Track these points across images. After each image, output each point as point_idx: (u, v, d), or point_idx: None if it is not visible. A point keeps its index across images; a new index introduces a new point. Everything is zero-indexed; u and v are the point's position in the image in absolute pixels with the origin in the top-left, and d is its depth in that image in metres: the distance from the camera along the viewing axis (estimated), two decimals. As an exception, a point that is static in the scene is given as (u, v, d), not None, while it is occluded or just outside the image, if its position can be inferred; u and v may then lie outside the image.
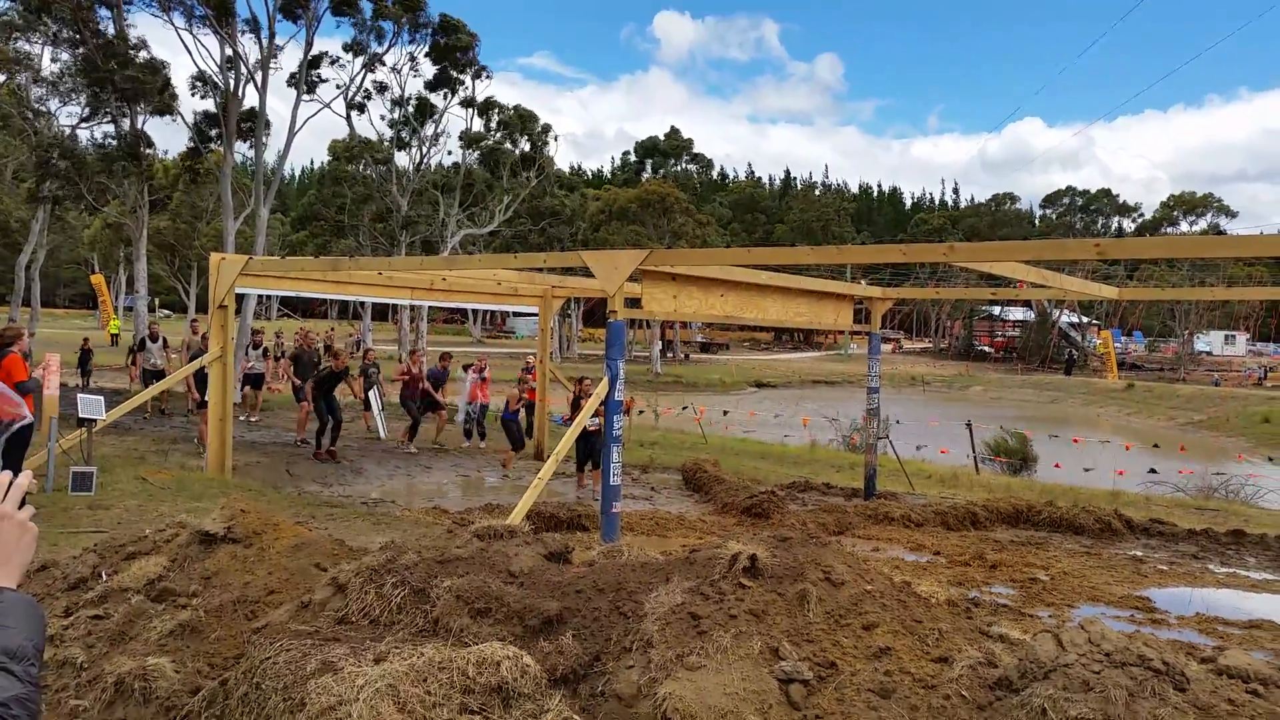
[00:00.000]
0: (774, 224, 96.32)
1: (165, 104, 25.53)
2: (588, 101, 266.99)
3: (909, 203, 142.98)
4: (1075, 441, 20.44)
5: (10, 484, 1.60)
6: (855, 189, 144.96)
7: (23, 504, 1.61)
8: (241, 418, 18.57)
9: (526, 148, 35.31)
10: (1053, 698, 3.34)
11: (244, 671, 3.69)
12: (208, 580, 5.10)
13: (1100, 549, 11.09)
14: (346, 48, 28.10)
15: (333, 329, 64.38)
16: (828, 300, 13.19)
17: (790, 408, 29.31)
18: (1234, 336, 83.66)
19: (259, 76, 24.49)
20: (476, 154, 33.73)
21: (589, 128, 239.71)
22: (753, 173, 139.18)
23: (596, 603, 4.26)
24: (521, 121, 34.72)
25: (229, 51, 24.37)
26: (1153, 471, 17.60)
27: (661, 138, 71.32)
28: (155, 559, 5.32)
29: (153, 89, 24.70)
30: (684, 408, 25.47)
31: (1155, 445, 19.10)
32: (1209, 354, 79.04)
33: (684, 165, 71.70)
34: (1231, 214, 73.63)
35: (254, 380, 19.43)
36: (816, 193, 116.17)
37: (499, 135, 34.16)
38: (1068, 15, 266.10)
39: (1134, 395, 49.61)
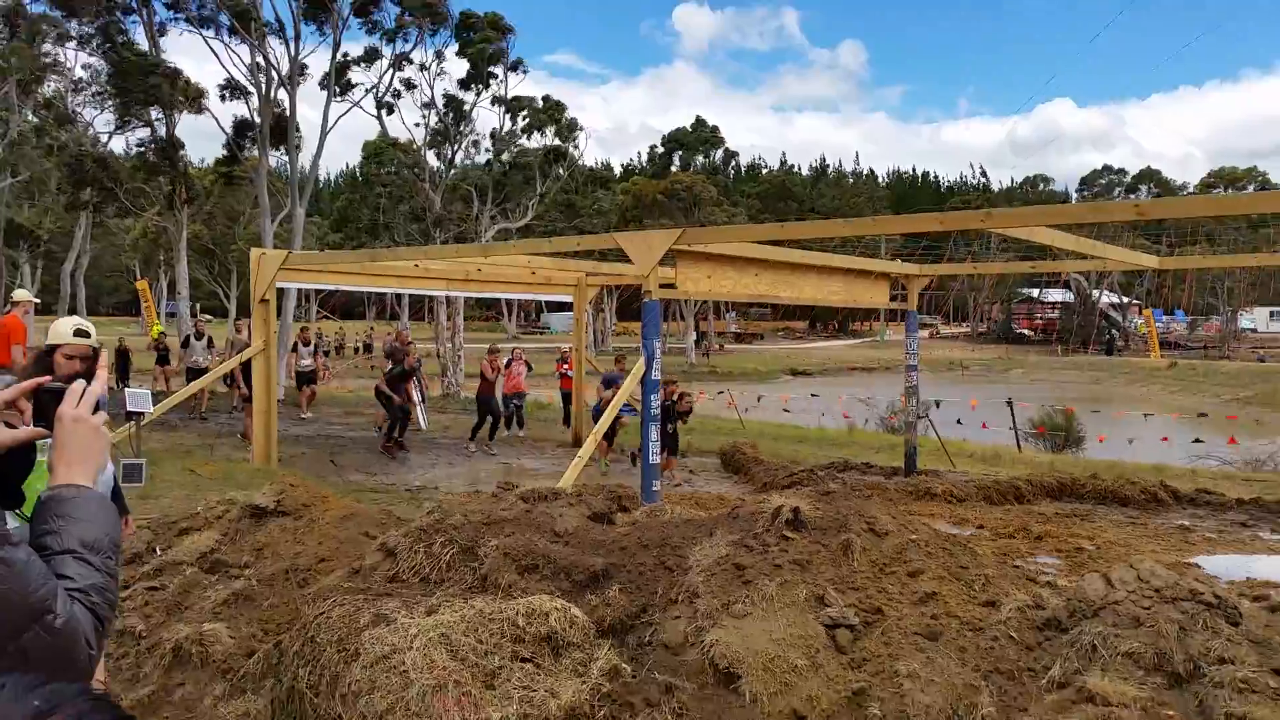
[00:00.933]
0: (806, 213, 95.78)
1: (198, 107, 25.99)
2: (611, 97, 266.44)
3: (942, 188, 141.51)
4: (1117, 416, 20.17)
5: (84, 391, 1.68)
6: (886, 175, 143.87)
7: (96, 410, 1.68)
8: (304, 415, 18.77)
9: (556, 141, 35.45)
10: (1103, 634, 3.33)
11: (299, 629, 3.77)
12: (259, 552, 5.21)
13: (1146, 519, 10.94)
14: (367, 55, 28.37)
15: (372, 329, 65.09)
16: (863, 278, 13.10)
17: (827, 393, 29.18)
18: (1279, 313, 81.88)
19: (289, 81, 24.86)
20: (507, 156, 33.87)
21: (614, 123, 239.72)
22: (786, 162, 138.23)
23: (641, 558, 4.30)
24: (550, 113, 34.85)
25: (259, 59, 24.76)
26: (1198, 441, 17.31)
27: (689, 128, 71.12)
28: (207, 533, 5.44)
29: (180, 98, 25.21)
30: (719, 392, 25.44)
31: (1202, 414, 18.79)
32: (1254, 331, 77.46)
33: (710, 156, 71.46)
34: (1275, 187, 72.12)
35: (307, 377, 19.51)
36: (849, 180, 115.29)
37: (525, 131, 34.30)
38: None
39: (1178, 374, 48.85)
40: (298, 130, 26.07)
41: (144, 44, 25.34)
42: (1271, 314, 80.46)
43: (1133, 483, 12.08)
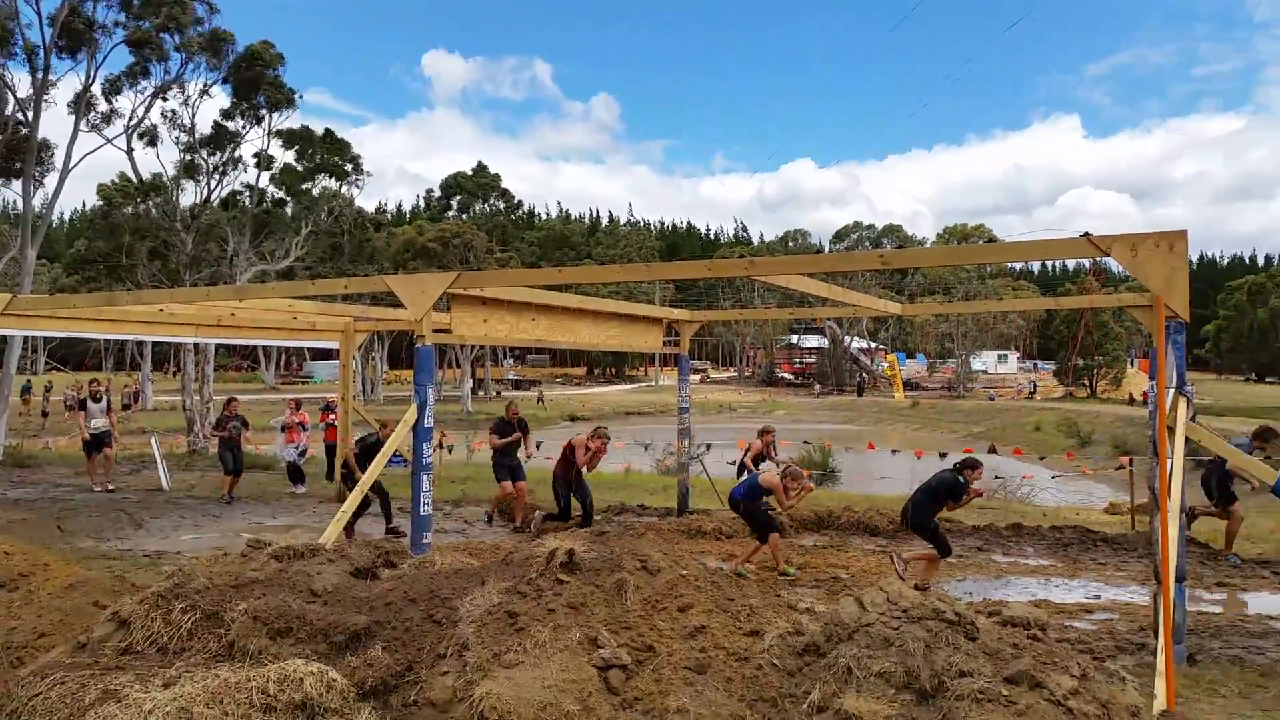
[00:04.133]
0: (583, 260, 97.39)
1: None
2: (369, 140, 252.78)
3: (706, 240, 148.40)
4: (870, 448, 21.72)
5: None
6: (657, 226, 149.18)
7: None
8: (96, 488, 15.97)
9: (332, 181, 34.27)
10: (857, 656, 3.49)
11: (9, 715, 3.30)
12: (-38, 630, 4.55)
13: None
14: (130, 72, 26.18)
15: (110, 380, 59.55)
16: (637, 323, 13.41)
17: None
18: (1006, 356, 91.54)
19: (31, 108, 22.61)
20: (272, 182, 32.17)
21: (373, 166, 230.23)
22: (566, 212, 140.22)
23: (408, 613, 4.11)
24: (333, 149, 33.63)
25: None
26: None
27: (469, 173, 70.65)
28: (-105, 613, 4.70)
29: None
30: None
31: (942, 454, 20.64)
32: (984, 372, 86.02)
33: (491, 203, 71.21)
34: (999, 241, 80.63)
35: (102, 440, 16.21)
36: (623, 229, 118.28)
37: (302, 163, 32.82)
38: (828, 60, 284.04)
39: (919, 412, 53.28)
40: (38, 163, 23.67)
41: None
42: (999, 357, 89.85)
43: (882, 514, 12.97)
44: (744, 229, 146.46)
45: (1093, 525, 13.35)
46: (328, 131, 33.44)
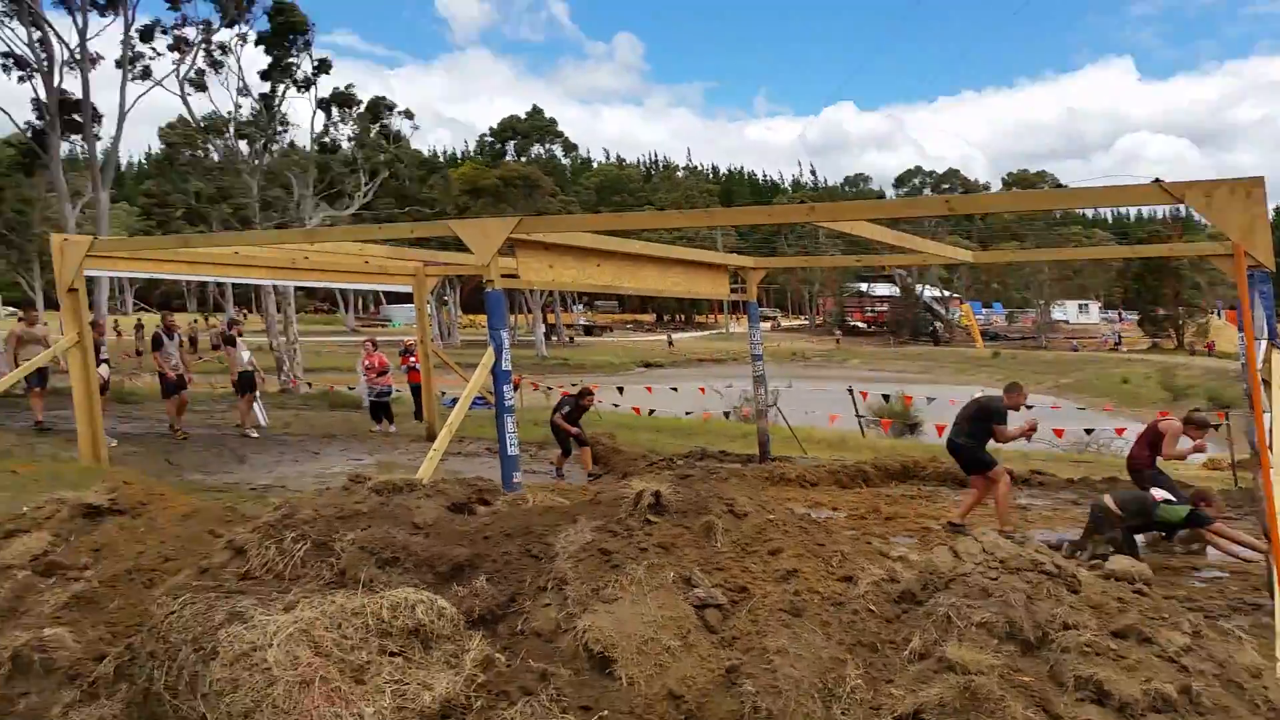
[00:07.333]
0: (641, 206, 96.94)
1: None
2: (400, 83, 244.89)
3: (762, 184, 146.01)
4: (951, 403, 21.34)
5: None
6: (709, 171, 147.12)
7: None
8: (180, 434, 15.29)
9: (381, 139, 35.01)
10: (955, 605, 3.51)
11: (150, 629, 3.54)
12: (97, 552, 4.88)
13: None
14: (155, 27, 27.11)
15: (195, 321, 61.44)
16: (702, 270, 13.33)
17: (682, 385, 29.64)
18: (1087, 305, 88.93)
19: (79, 60, 23.57)
20: (316, 144, 33.03)
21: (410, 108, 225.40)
22: (620, 157, 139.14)
23: (505, 547, 4.24)
24: (374, 110, 34.45)
25: (38, 35, 23.31)
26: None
27: (522, 116, 70.23)
28: (38, 535, 5.04)
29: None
30: (574, 384, 25.39)
31: (1029, 405, 20.13)
32: (1066, 322, 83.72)
33: (546, 147, 70.74)
34: (1065, 187, 77.94)
35: (175, 386, 15.33)
36: (680, 174, 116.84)
37: (353, 123, 33.70)
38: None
39: (1000, 362, 52.24)
40: (95, 113, 24.56)
41: None
42: (1080, 306, 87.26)
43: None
44: (813, 171, 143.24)
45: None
46: (379, 98, 34.05)
